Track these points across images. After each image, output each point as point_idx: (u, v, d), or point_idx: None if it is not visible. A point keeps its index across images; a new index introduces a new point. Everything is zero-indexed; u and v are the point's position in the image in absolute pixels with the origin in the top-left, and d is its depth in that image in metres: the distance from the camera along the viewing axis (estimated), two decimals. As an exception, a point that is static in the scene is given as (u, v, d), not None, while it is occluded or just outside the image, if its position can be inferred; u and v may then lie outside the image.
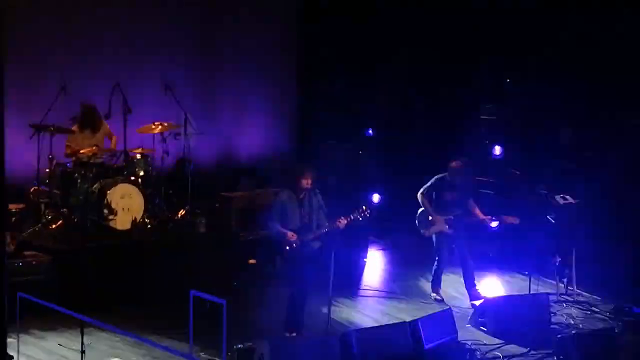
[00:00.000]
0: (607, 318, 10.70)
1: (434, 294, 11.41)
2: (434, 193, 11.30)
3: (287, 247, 9.46)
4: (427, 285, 11.67)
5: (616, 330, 9.79)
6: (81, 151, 11.74)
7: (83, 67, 12.66)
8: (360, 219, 9.82)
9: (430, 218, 11.23)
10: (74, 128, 12.04)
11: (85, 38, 12.87)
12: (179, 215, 12.38)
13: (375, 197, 14.50)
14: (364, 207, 9.70)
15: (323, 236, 9.66)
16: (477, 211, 11.27)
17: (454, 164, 11.18)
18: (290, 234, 9.46)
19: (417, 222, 11.46)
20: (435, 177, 11.36)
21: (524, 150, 13.94)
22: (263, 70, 14.78)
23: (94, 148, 11.78)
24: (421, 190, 11.37)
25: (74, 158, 11.81)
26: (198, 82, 13.89)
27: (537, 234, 12.23)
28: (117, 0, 13.21)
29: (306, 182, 9.51)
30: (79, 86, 12.22)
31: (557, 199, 12.37)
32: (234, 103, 14.50)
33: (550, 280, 11.81)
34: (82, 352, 7.53)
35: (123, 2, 13.27)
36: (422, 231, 11.43)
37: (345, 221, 9.55)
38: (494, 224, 11.28)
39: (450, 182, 11.19)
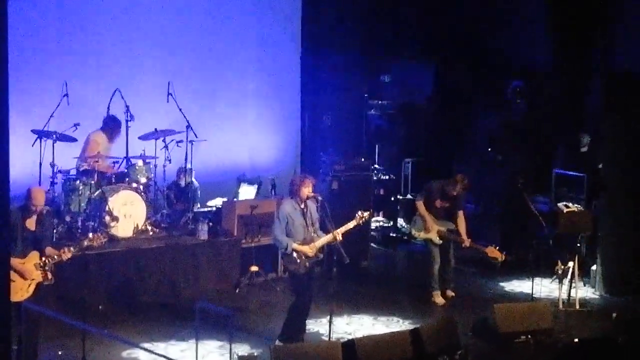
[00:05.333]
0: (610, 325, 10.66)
1: (435, 296, 11.46)
2: (426, 198, 11.51)
3: (303, 263, 9.36)
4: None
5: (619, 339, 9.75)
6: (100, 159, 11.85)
7: (85, 74, 12.62)
8: (361, 224, 9.79)
9: (425, 224, 11.42)
10: (101, 136, 12.06)
11: (87, 45, 12.84)
12: (181, 223, 12.35)
13: None
14: (361, 213, 9.64)
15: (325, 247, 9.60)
16: (462, 227, 11.43)
17: (459, 177, 11.33)
18: (309, 250, 9.35)
19: (412, 221, 11.74)
20: (432, 182, 11.58)
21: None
22: (266, 77, 14.77)
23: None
24: (419, 196, 11.67)
25: (85, 166, 11.81)
26: (200, 88, 13.86)
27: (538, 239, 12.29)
28: (119, 7, 13.17)
29: (307, 191, 9.40)
30: (80, 93, 12.21)
31: (560, 207, 12.39)
32: (236, 110, 14.47)
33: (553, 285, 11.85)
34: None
35: (125, 9, 13.24)
36: (413, 232, 11.76)
37: (341, 234, 9.39)
38: (466, 244, 11.37)
39: (446, 193, 11.30)
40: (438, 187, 11.50)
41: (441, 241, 11.42)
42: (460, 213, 11.52)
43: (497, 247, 11.30)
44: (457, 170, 11.72)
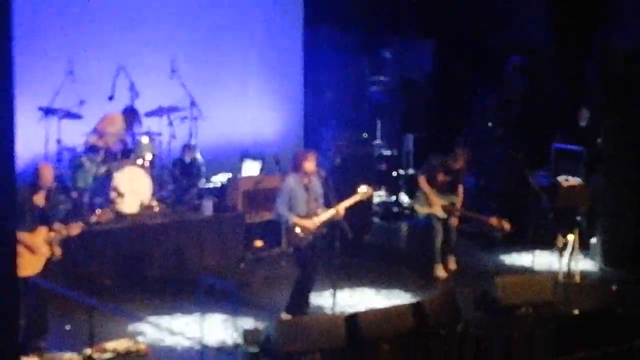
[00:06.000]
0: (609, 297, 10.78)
1: (437, 269, 11.57)
2: (428, 173, 11.55)
3: (306, 237, 9.47)
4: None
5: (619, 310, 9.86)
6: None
7: (90, 51, 12.68)
8: (366, 199, 9.89)
9: (427, 199, 11.47)
10: (119, 117, 12.15)
11: (92, 21, 12.89)
12: (186, 199, 12.46)
13: None
14: (365, 189, 9.74)
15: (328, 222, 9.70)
16: (459, 200, 11.52)
17: (460, 150, 11.38)
18: (310, 224, 9.43)
19: (415, 197, 11.80)
20: (434, 157, 11.64)
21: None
22: (269, 53, 14.83)
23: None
24: (421, 172, 11.66)
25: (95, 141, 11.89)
26: (204, 65, 13.93)
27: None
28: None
29: (310, 166, 9.46)
30: (86, 70, 12.29)
31: (560, 180, 12.48)
32: (239, 86, 14.53)
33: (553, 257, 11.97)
34: (91, 335, 7.62)
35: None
36: (416, 207, 11.80)
37: (343, 209, 9.50)
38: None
39: (448, 167, 11.40)
40: (439, 161, 11.56)
41: (445, 215, 11.52)
42: (460, 187, 11.62)
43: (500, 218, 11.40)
44: (458, 144, 11.76)
